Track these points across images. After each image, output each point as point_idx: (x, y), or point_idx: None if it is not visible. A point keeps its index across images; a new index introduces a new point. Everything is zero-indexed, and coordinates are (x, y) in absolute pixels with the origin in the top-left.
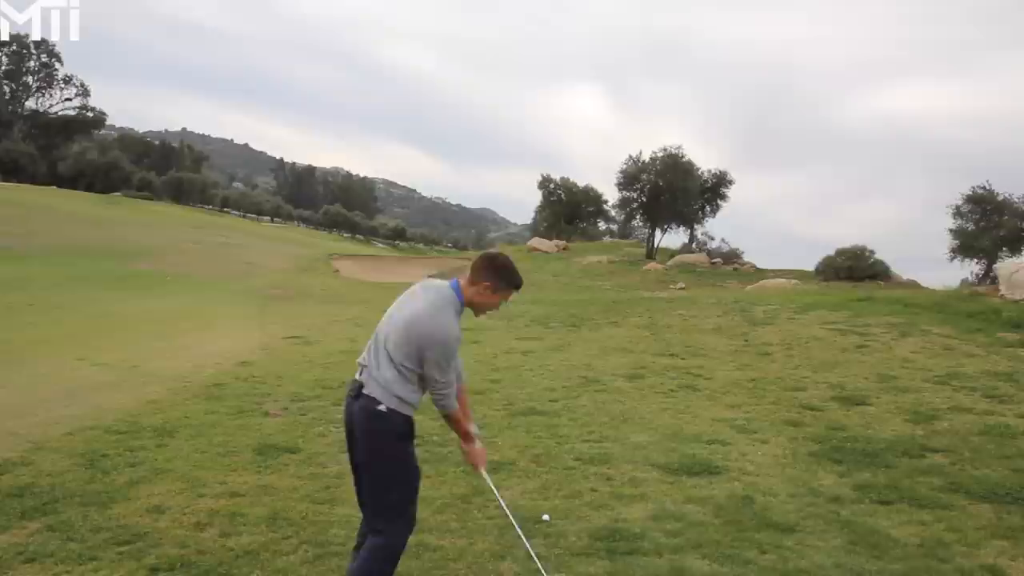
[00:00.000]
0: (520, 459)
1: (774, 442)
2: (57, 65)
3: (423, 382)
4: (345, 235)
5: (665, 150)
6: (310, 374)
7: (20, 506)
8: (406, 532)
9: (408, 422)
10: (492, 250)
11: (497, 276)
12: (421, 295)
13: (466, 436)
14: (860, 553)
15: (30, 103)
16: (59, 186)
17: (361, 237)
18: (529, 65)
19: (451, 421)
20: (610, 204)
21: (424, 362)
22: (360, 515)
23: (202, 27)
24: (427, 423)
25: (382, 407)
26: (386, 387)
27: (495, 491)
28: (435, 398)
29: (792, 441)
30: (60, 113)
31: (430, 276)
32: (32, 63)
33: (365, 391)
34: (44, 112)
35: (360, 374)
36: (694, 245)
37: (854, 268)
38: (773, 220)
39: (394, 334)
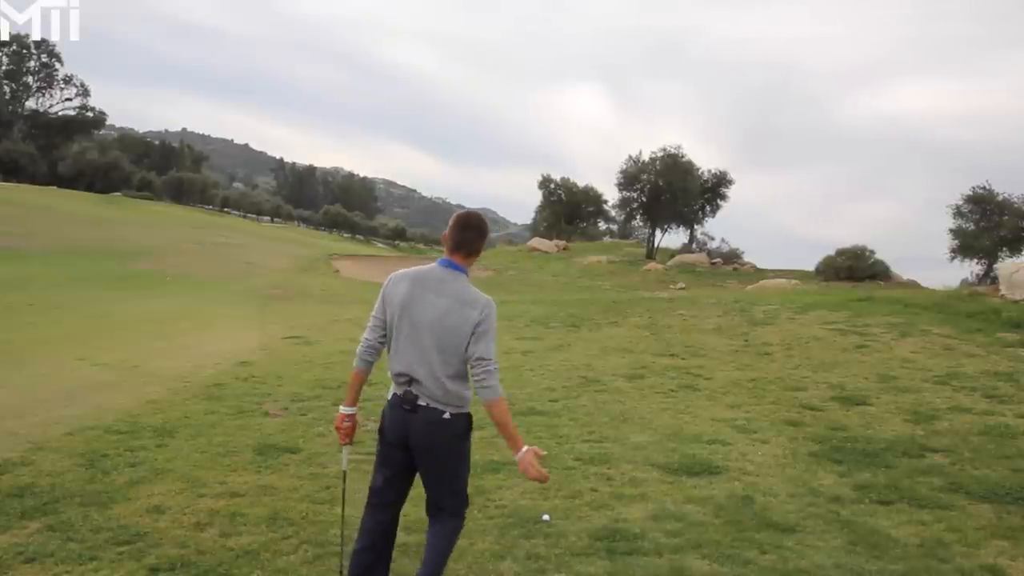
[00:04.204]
0: None
1: (774, 442)
2: (57, 65)
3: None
4: (345, 235)
5: (665, 150)
6: (310, 374)
7: (20, 506)
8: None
9: (469, 419)
10: (464, 212)
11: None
12: (441, 290)
13: (515, 438)
14: (860, 553)
15: (30, 103)
16: (59, 186)
17: (361, 237)
18: (530, 65)
19: (500, 412)
20: (610, 204)
21: (476, 340)
22: (359, 516)
23: (202, 27)
24: None
25: (446, 415)
26: (446, 395)
27: None
28: (481, 378)
29: (792, 441)
30: (60, 113)
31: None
32: (32, 63)
33: (421, 403)
34: (44, 112)
35: (409, 385)
36: (694, 245)
37: (854, 268)
38: (773, 220)
39: (435, 335)
